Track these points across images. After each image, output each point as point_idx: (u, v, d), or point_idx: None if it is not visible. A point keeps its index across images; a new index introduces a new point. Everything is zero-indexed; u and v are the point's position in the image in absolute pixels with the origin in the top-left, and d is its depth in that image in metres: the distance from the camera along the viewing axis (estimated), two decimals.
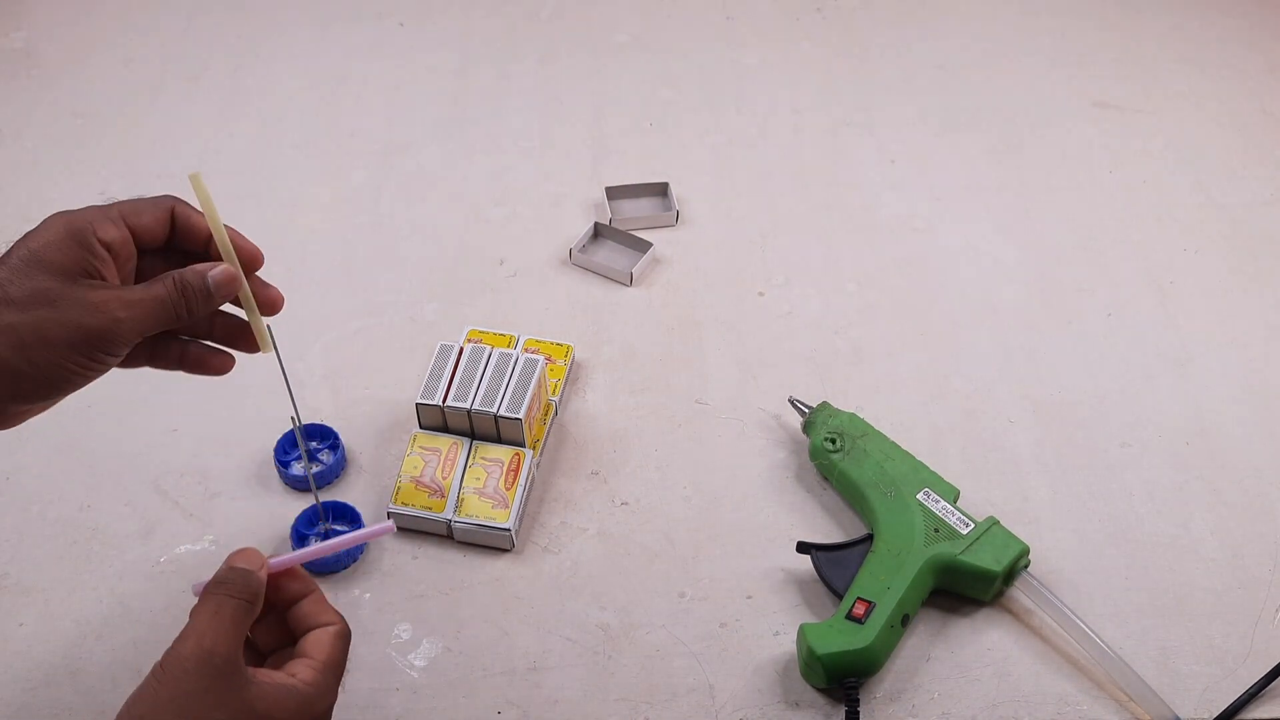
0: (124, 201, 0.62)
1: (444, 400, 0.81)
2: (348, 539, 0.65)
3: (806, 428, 0.84)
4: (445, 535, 0.80)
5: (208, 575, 0.78)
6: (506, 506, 0.78)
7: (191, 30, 1.22)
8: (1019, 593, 0.76)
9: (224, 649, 0.55)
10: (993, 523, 0.76)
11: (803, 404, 0.85)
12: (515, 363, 0.83)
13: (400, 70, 1.18)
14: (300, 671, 0.58)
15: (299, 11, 1.25)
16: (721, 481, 0.83)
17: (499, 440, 0.82)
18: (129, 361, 0.63)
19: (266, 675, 0.57)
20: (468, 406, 0.80)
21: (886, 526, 0.76)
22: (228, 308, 0.66)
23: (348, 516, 0.80)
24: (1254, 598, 0.77)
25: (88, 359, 0.58)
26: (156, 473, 0.83)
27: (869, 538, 0.76)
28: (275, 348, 0.70)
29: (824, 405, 0.84)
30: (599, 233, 1.01)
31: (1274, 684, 0.72)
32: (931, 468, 0.79)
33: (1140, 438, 0.86)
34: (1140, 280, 0.98)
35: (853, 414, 0.83)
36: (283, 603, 0.62)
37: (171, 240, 0.64)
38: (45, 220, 0.60)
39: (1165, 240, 1.02)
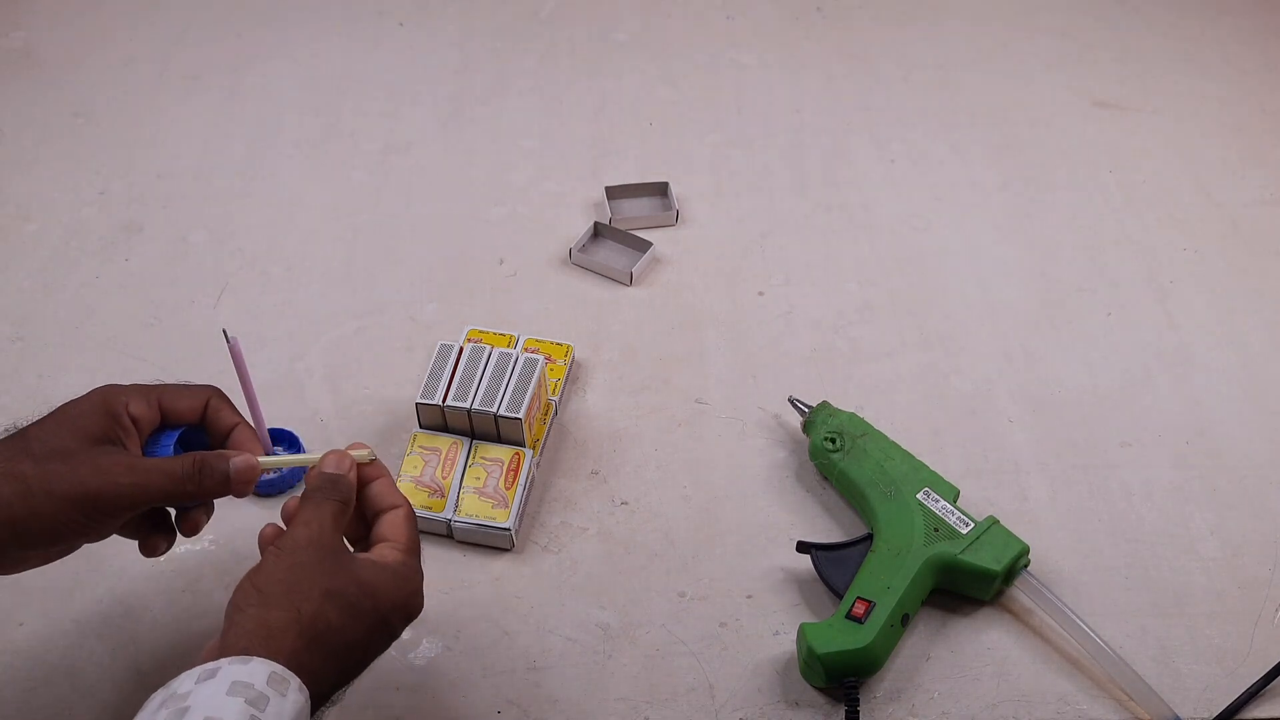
0: (168, 386, 0.66)
1: (444, 400, 0.81)
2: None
3: (806, 427, 0.84)
4: (445, 535, 0.79)
5: (206, 575, 0.78)
6: (506, 506, 0.78)
7: (191, 30, 1.22)
8: (1019, 592, 0.75)
9: (329, 537, 0.61)
10: (992, 522, 0.76)
11: (802, 403, 0.85)
12: (515, 362, 0.83)
13: (400, 70, 1.18)
14: (388, 554, 0.63)
15: (298, 11, 1.25)
16: (721, 481, 0.83)
17: (499, 440, 0.82)
18: (128, 530, 0.66)
19: (364, 556, 0.62)
20: (468, 406, 0.80)
21: (886, 526, 0.76)
22: None
23: (287, 440, 0.84)
24: (1254, 598, 0.77)
25: (85, 516, 0.60)
26: None
27: (869, 537, 0.76)
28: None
29: (824, 405, 0.84)
30: (599, 232, 1.01)
31: (1274, 684, 0.72)
32: (931, 467, 0.79)
33: (1140, 437, 0.86)
34: (1140, 280, 0.98)
35: (853, 414, 0.83)
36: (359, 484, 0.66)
37: (200, 425, 0.67)
38: (92, 390, 0.64)
39: (1165, 240, 1.02)
